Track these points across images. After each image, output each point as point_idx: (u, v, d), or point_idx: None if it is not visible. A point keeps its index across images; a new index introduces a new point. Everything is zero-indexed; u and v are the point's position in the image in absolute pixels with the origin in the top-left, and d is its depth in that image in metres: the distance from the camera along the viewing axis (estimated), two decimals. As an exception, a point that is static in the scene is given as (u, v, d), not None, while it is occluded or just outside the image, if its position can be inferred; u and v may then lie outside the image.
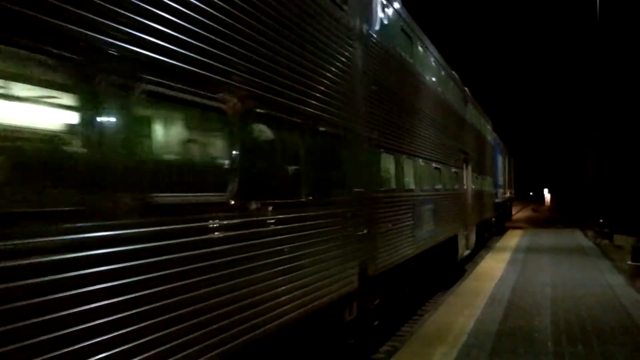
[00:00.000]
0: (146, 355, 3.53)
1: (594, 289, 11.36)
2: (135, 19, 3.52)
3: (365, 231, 7.76)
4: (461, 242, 15.85)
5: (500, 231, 28.95)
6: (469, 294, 11.01)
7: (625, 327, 8.26)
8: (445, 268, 14.35)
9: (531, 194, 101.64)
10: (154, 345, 3.61)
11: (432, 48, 13.37)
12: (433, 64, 13.40)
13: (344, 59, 7.33)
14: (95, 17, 3.20)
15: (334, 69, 7.01)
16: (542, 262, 15.77)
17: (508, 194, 39.46)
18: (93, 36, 3.19)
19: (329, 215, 6.60)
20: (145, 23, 3.60)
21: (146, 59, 3.57)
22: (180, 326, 3.84)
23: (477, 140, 21.38)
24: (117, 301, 3.32)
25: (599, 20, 24.21)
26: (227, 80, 4.49)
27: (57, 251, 2.96)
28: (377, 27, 8.79)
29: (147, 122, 3.77)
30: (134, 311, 3.45)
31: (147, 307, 3.56)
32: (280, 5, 5.50)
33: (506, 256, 17.30)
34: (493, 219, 26.78)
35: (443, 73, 14.78)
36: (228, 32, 4.57)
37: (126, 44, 3.42)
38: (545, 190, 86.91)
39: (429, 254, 11.95)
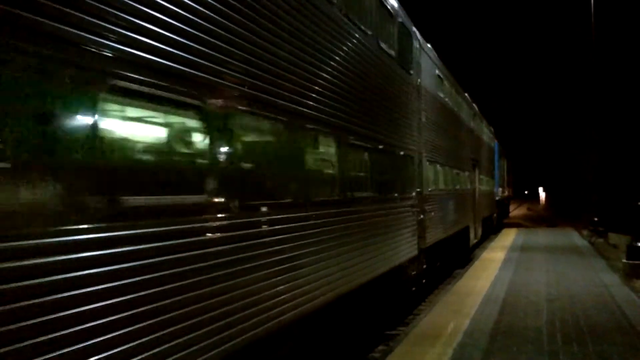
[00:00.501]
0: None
1: (589, 288, 11.38)
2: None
3: (420, 217, 11.68)
4: (472, 232, 19.72)
5: (500, 226, 32.06)
6: (464, 293, 11.01)
7: (621, 326, 8.26)
8: (460, 252, 17.70)
9: (526, 192, 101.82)
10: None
11: (452, 80, 17.53)
12: (454, 92, 17.76)
13: (409, 105, 11.37)
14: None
15: (407, 114, 11.19)
16: (538, 261, 15.79)
17: (506, 193, 45.03)
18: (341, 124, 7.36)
19: (403, 206, 10.50)
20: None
21: (353, 132, 7.80)
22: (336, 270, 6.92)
23: (482, 147, 25.67)
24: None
25: (594, 21, 24.25)
26: (372, 134, 8.81)
27: None
28: (424, 78, 12.64)
29: (353, 160, 7.85)
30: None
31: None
32: (387, 84, 9.82)
33: (501, 255, 17.32)
34: (494, 214, 30.58)
35: (460, 99, 19.03)
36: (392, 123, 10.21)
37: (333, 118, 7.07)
38: (540, 189, 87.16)
39: (451, 239, 15.45)
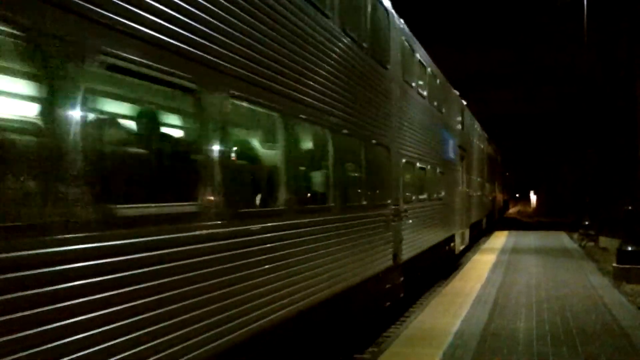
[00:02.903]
0: None
1: (579, 291, 11.42)
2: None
3: (490, 201, 32.73)
4: (495, 214, 34.05)
5: (502, 214, 51.27)
6: (455, 295, 11.03)
7: (610, 328, 8.29)
8: (490, 223, 31.80)
9: (517, 195, 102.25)
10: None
11: (488, 137, 31.80)
12: (486, 140, 30.42)
13: (488, 164, 31.08)
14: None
15: (486, 173, 30.14)
16: (528, 264, 15.84)
17: (506, 196, 65.16)
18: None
19: (484, 196, 28.98)
20: None
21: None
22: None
23: (495, 165, 39.36)
24: None
25: (587, 23, 24.38)
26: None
27: None
28: (476, 141, 25.56)
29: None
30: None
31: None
32: (490, 159, 34.78)
33: (492, 257, 17.36)
34: (499, 208, 48.28)
35: (494, 149, 35.15)
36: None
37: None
38: (531, 192, 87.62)
39: (487, 217, 29.37)
